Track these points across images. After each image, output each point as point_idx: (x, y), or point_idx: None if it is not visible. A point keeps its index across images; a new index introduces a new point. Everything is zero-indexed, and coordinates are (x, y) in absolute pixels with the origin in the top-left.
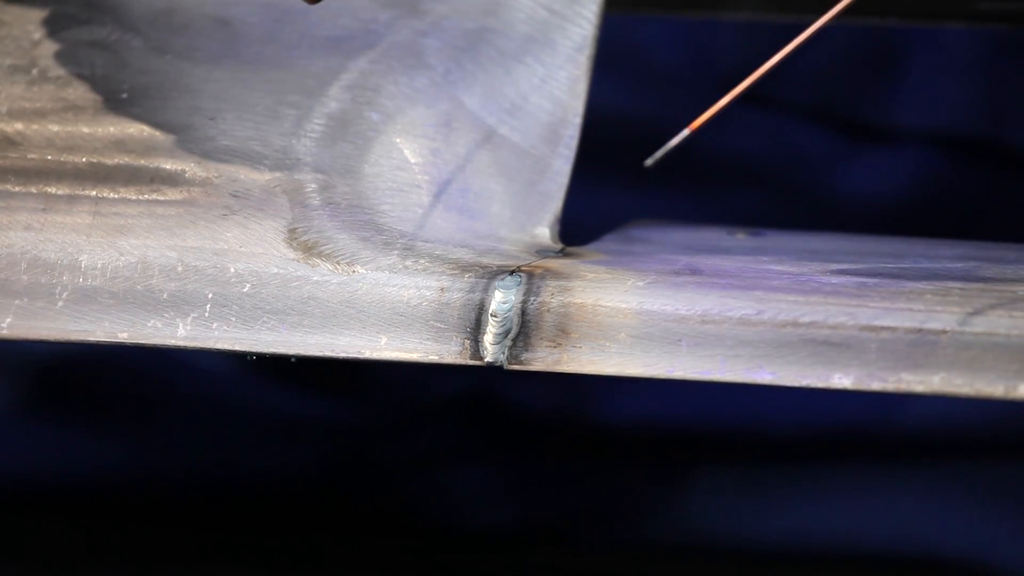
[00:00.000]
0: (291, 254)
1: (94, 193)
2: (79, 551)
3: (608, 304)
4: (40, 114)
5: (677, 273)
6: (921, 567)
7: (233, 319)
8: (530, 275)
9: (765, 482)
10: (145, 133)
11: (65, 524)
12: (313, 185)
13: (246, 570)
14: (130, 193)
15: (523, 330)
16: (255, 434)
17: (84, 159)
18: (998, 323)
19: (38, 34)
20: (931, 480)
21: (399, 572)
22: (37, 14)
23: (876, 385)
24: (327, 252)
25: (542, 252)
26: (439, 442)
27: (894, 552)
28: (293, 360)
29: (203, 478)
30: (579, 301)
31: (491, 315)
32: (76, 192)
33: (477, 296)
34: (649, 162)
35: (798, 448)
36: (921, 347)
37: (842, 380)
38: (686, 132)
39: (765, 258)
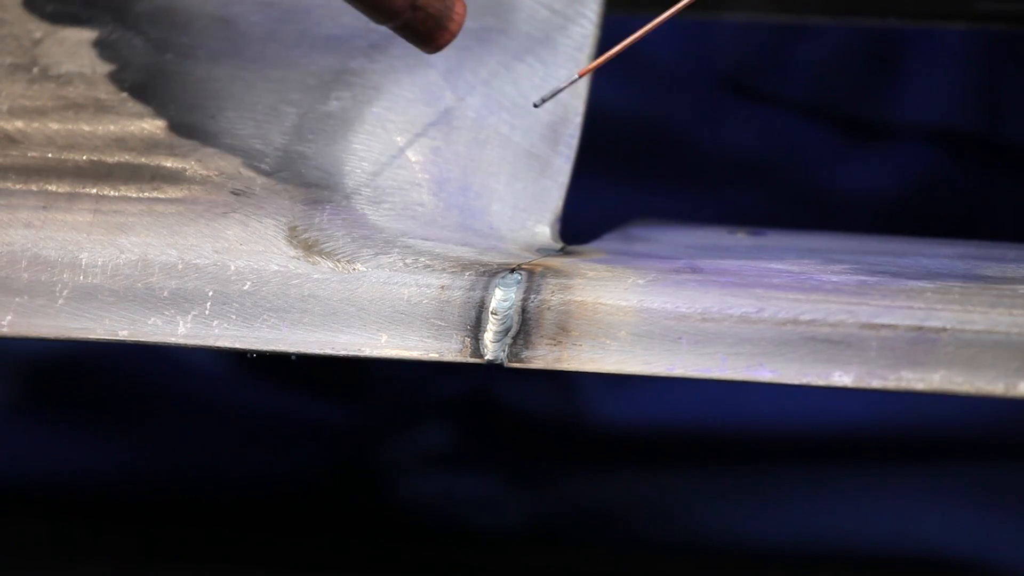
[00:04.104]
0: (292, 252)
1: (95, 191)
2: (78, 551)
3: (608, 302)
4: (41, 112)
5: (677, 271)
6: (922, 568)
7: (234, 317)
8: (530, 273)
9: (765, 483)
10: (146, 131)
11: (64, 524)
12: (314, 183)
13: (246, 570)
14: (131, 191)
15: (523, 328)
16: (255, 435)
17: (85, 157)
18: (998, 321)
19: (39, 32)
20: (932, 481)
21: (398, 573)
22: (38, 13)
23: (876, 383)
24: (328, 250)
25: (542, 250)
26: (438, 443)
27: (894, 553)
28: (293, 358)
29: (203, 478)
30: (579, 299)
31: (491, 313)
32: (77, 190)
33: (477, 294)
34: (537, 102)
35: (798, 449)
36: (921, 345)
37: (842, 378)
38: (576, 77)
39: (765, 257)
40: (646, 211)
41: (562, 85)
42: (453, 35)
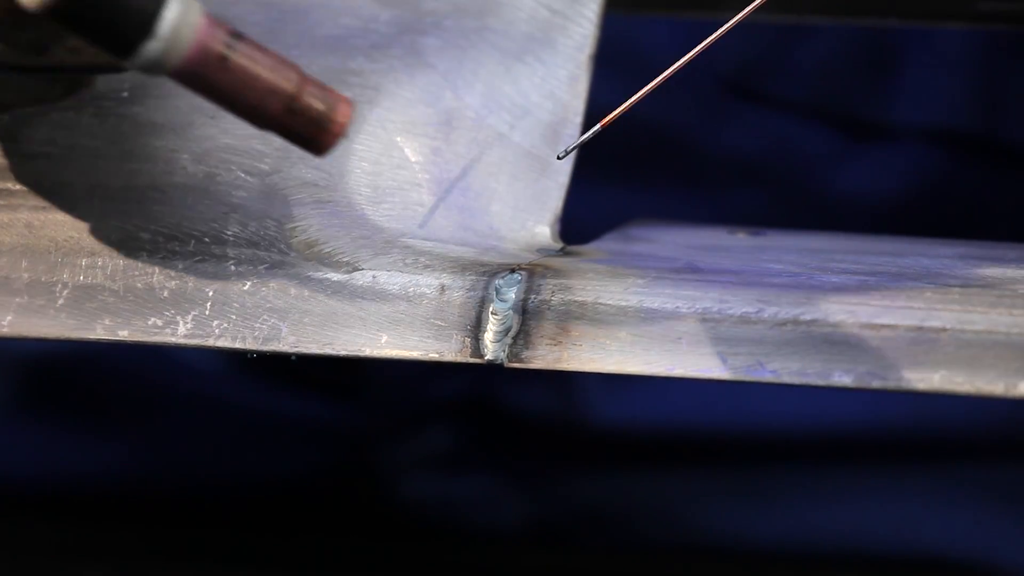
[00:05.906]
0: (291, 252)
1: None
2: (78, 551)
3: (608, 302)
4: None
5: (677, 271)
6: (922, 568)
7: (234, 317)
8: (531, 273)
9: (766, 483)
10: (146, 131)
11: (64, 524)
12: (314, 183)
13: (246, 570)
14: (130, 192)
15: (523, 328)
16: (255, 435)
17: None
18: (998, 321)
19: None
20: (932, 481)
21: (398, 573)
22: None
23: (876, 383)
24: (328, 250)
25: (542, 251)
26: (438, 443)
27: (895, 553)
28: (293, 359)
29: (202, 478)
30: (579, 299)
31: (491, 313)
32: None
33: (477, 294)
34: (561, 155)
35: (799, 449)
36: (921, 345)
37: (842, 378)
38: (597, 127)
39: (765, 257)
40: (646, 211)
41: (585, 136)
42: (338, 136)
